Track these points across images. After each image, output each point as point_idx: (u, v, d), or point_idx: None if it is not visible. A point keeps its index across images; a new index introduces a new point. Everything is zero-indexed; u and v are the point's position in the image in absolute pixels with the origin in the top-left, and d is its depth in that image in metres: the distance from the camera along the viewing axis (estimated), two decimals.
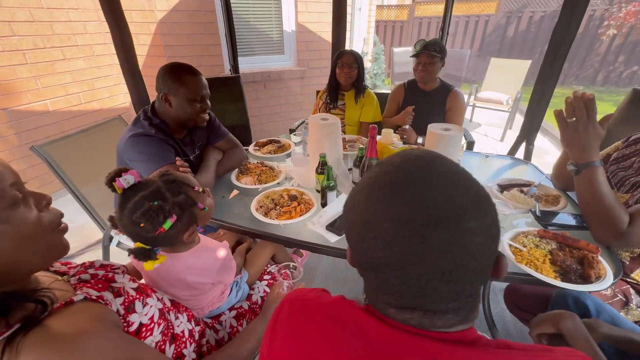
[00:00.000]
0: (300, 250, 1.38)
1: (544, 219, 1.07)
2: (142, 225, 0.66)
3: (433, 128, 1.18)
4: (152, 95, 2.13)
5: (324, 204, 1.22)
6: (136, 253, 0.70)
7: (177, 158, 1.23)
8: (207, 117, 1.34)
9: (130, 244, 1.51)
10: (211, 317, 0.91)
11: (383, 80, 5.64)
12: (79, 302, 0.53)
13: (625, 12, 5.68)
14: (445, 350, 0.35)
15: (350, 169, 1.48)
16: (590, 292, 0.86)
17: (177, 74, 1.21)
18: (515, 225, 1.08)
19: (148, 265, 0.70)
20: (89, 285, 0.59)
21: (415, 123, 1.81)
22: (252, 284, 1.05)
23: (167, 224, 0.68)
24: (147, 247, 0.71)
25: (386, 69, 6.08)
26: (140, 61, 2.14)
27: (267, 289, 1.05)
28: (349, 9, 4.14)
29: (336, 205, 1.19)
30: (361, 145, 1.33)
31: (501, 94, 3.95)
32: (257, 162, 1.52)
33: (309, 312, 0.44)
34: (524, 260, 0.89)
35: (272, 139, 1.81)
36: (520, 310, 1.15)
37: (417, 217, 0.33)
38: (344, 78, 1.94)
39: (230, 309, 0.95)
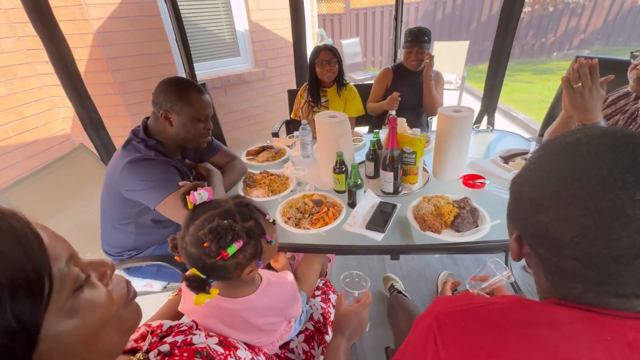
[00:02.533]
0: (327, 255, 1.32)
1: None
2: (205, 245, 0.59)
3: (444, 111, 1.21)
4: (104, 115, 1.88)
5: (352, 204, 1.18)
6: (190, 280, 0.60)
7: (181, 182, 1.09)
8: (209, 138, 1.23)
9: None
10: (280, 347, 0.83)
11: None
12: None
13: None
14: None
15: (360, 163, 1.45)
16: None
17: (182, 90, 1.08)
18: None
19: (199, 299, 0.60)
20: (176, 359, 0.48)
21: (404, 102, 1.87)
22: (308, 302, 0.98)
23: (232, 249, 0.60)
24: (203, 276, 0.61)
25: None
26: None
27: (323, 305, 0.99)
28: None
29: (365, 202, 1.16)
30: (371, 139, 1.31)
31: (449, 74, 4.24)
32: (261, 172, 1.42)
33: (489, 321, 0.40)
34: None
35: (265, 145, 1.70)
36: None
37: None
38: (327, 75, 1.89)
39: (298, 334, 0.87)
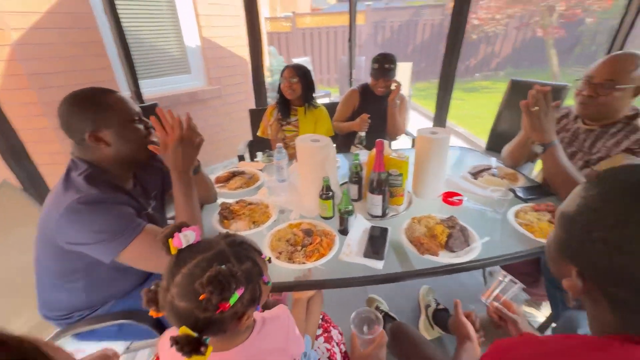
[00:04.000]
0: None
1: (525, 194, 1.27)
2: (202, 297, 0.50)
3: (423, 133, 1.25)
4: (26, 140, 1.59)
5: (343, 231, 1.13)
6: (182, 344, 0.49)
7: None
8: (155, 139, 0.99)
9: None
10: None
11: None
12: None
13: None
14: None
15: (341, 184, 1.42)
16: None
17: (95, 101, 0.87)
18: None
19: None
20: None
21: (370, 124, 1.91)
22: (312, 347, 0.88)
23: (234, 297, 0.53)
24: (194, 334, 0.51)
25: None
26: None
27: (328, 346, 0.90)
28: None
29: (357, 228, 1.12)
30: (356, 161, 1.28)
31: None
32: (238, 202, 1.29)
33: None
34: (540, 233, 1.03)
35: (235, 171, 1.57)
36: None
37: None
38: (288, 92, 1.87)
39: None
